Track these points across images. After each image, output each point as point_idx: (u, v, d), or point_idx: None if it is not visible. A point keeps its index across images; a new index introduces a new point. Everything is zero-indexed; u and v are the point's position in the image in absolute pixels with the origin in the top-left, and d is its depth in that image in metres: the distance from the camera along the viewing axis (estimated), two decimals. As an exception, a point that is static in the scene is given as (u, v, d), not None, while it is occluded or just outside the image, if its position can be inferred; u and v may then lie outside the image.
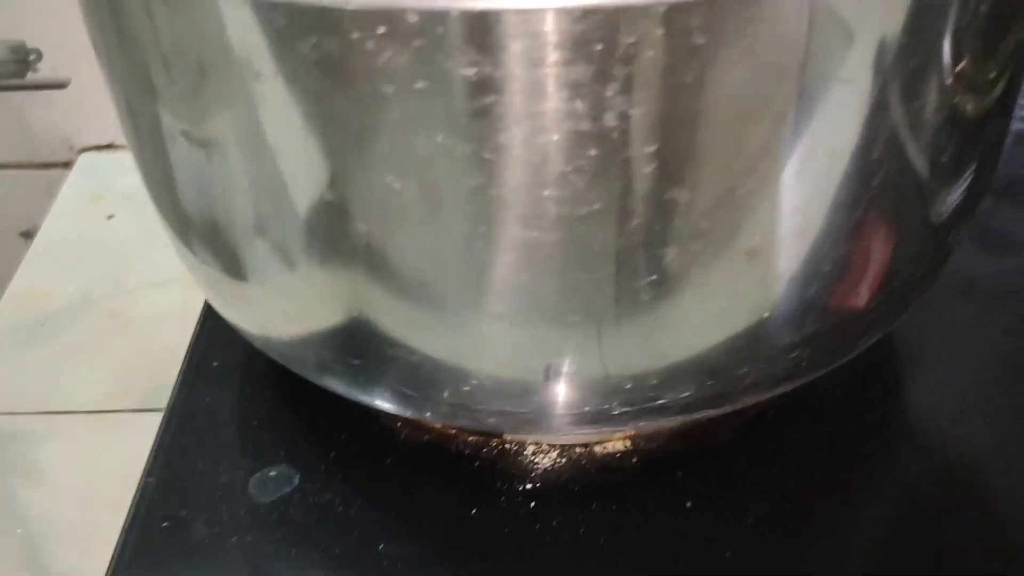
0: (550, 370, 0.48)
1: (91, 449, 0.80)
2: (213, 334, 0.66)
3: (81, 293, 0.96)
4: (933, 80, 0.41)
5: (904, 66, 0.40)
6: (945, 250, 0.52)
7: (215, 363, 0.67)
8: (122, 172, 1.07)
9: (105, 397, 0.86)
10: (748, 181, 0.41)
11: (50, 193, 1.12)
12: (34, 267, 0.99)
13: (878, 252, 0.47)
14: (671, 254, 0.42)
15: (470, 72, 0.36)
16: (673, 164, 0.39)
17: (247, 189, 0.45)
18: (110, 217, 1.06)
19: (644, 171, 0.39)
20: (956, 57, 0.41)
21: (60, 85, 1.09)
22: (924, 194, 0.46)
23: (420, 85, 0.37)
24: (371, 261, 0.44)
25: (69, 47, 1.02)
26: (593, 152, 0.38)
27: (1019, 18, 0.43)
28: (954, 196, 0.48)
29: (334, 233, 0.44)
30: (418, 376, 0.49)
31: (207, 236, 0.50)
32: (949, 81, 0.42)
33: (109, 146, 1.16)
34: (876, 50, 0.38)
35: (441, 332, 0.47)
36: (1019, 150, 0.82)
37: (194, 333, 0.71)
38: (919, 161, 0.44)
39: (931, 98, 0.42)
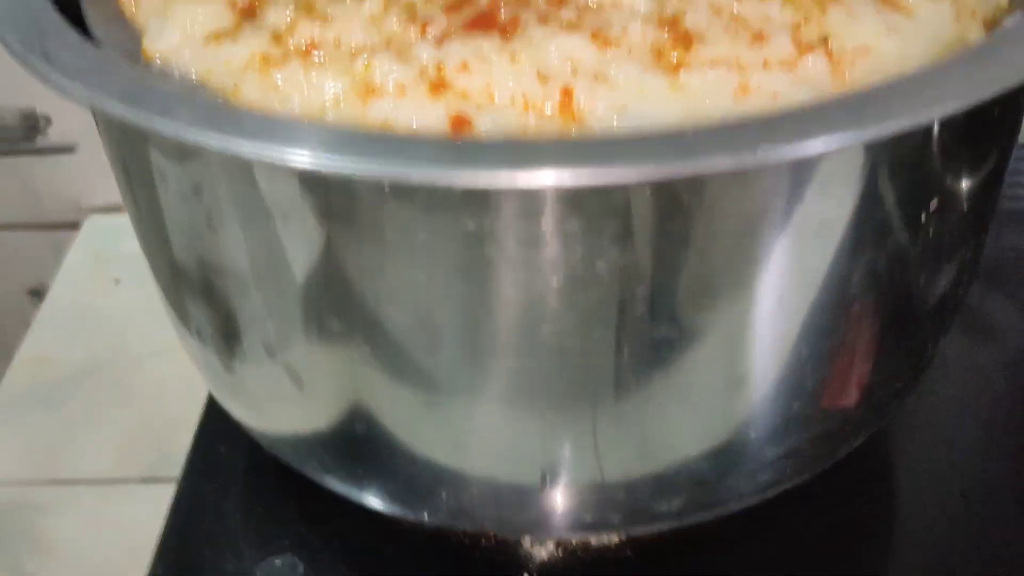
0: (546, 478, 0.50)
1: (99, 520, 0.81)
2: (219, 419, 0.68)
3: (87, 360, 0.98)
4: (905, 218, 0.44)
5: (875, 213, 0.42)
6: (924, 361, 0.54)
7: (221, 448, 0.69)
8: (129, 235, 1.09)
9: (112, 466, 0.87)
10: (731, 318, 0.43)
11: (58, 253, 1.14)
12: (42, 333, 1.01)
13: (858, 371, 0.49)
14: (660, 381, 0.45)
15: (471, 226, 0.39)
16: (661, 305, 0.42)
17: (257, 309, 0.47)
18: (117, 281, 1.08)
19: (635, 311, 0.42)
20: (926, 198, 0.44)
21: (68, 149, 1.12)
22: (901, 316, 0.49)
23: (423, 237, 0.39)
24: (373, 381, 0.47)
25: (77, 113, 1.04)
26: (588, 294, 0.41)
27: (982, 158, 0.45)
28: (930, 315, 0.51)
29: (338, 355, 0.46)
30: (417, 482, 0.51)
31: (212, 340, 0.52)
32: (922, 218, 0.44)
33: (116, 208, 1.19)
34: (847, 200, 0.41)
35: (440, 440, 0.50)
36: (1004, 231, 0.85)
37: (200, 421, 0.73)
38: (895, 289, 0.47)
39: (904, 234, 0.45)
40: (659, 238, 0.39)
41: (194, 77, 0.45)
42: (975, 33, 0.46)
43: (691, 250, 0.40)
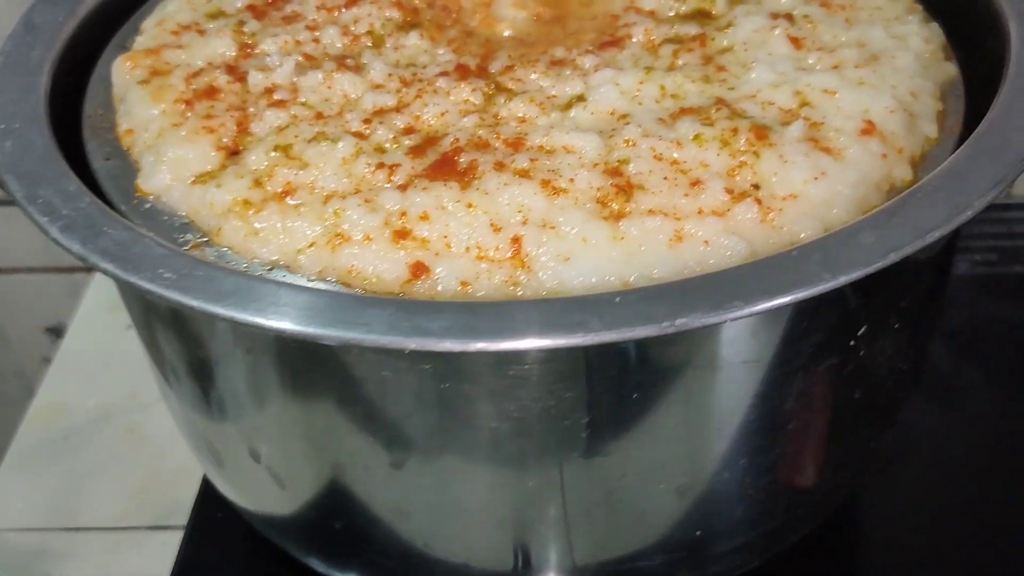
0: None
1: (109, 567, 0.86)
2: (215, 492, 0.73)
3: (100, 407, 1.02)
4: (835, 347, 0.48)
5: (802, 345, 0.46)
6: (867, 458, 0.58)
7: (219, 515, 0.74)
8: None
9: (123, 514, 0.91)
10: (675, 443, 0.47)
11: (74, 294, 1.18)
12: (57, 380, 1.06)
13: (800, 476, 0.53)
14: (612, 491, 0.49)
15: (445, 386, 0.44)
16: (606, 436, 0.46)
17: (248, 432, 0.52)
18: (128, 327, 1.13)
19: (581, 436, 0.46)
20: (852, 329, 0.47)
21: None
22: (838, 427, 0.53)
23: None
24: (348, 485, 0.51)
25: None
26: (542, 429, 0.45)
27: (906, 295, 0.49)
28: (868, 422, 0.54)
29: (315, 464, 0.51)
30: (394, 570, 0.56)
31: (205, 449, 0.57)
32: (851, 345, 0.48)
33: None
34: (772, 342, 0.45)
35: (412, 536, 0.54)
36: (978, 298, 0.87)
37: (198, 492, 0.77)
38: (831, 405, 0.51)
39: (836, 359, 0.48)
40: (600, 380, 0.43)
41: (183, 215, 0.50)
42: (902, 171, 0.50)
43: (636, 385, 0.44)
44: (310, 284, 0.45)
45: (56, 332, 1.31)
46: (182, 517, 0.86)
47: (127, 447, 0.96)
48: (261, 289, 0.42)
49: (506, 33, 0.60)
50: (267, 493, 0.55)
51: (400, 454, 0.48)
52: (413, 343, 0.39)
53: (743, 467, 0.50)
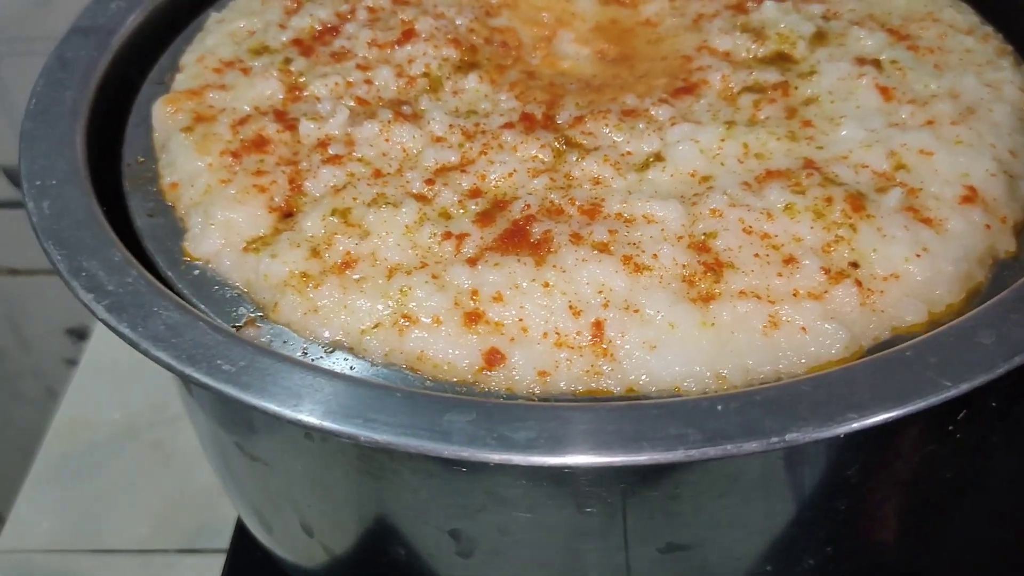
0: None
1: (138, 594, 0.83)
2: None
3: (125, 421, 1.00)
4: (933, 435, 0.45)
5: (902, 443, 0.43)
6: (953, 528, 0.55)
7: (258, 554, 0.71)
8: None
9: (150, 536, 0.89)
10: (756, 535, 0.44)
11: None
12: (80, 391, 1.03)
13: (883, 554, 0.51)
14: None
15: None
16: (686, 532, 0.43)
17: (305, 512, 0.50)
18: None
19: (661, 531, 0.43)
20: (952, 415, 0.44)
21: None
22: (929, 506, 0.50)
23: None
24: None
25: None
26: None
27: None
28: (959, 496, 0.51)
29: (380, 550, 0.48)
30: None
31: (255, 516, 0.54)
32: (950, 428, 0.45)
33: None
34: (879, 444, 0.42)
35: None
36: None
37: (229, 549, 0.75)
38: (922, 487, 0.48)
39: (933, 445, 0.45)
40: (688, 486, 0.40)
41: (236, 285, 0.46)
42: (1005, 242, 0.47)
43: (722, 492, 0.41)
44: (378, 375, 0.42)
45: (78, 334, 1.29)
46: (212, 540, 0.84)
47: (153, 464, 0.94)
48: (329, 388, 0.38)
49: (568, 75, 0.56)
50: (317, 558, 0.53)
51: (469, 545, 0.45)
52: (497, 457, 0.36)
53: (828, 553, 0.47)
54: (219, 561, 0.77)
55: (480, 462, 0.36)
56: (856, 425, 0.36)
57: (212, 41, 0.59)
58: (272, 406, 0.38)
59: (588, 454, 0.36)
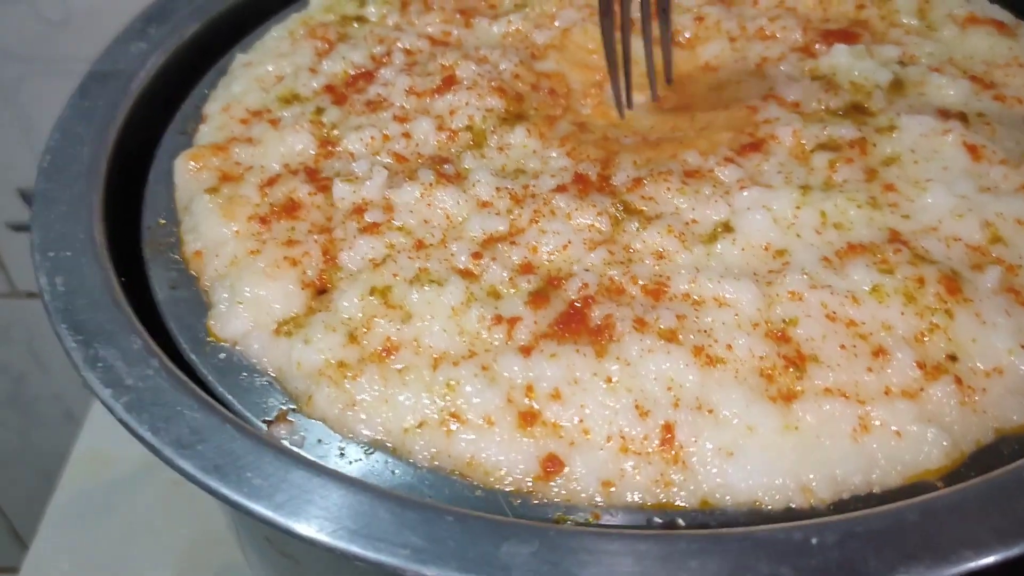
0: None
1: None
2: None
3: (144, 456, 0.96)
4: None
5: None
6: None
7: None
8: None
9: (172, 578, 0.85)
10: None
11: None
12: (97, 425, 1.00)
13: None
14: None
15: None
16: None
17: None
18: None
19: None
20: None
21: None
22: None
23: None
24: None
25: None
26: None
27: None
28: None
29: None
30: None
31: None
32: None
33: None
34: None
35: None
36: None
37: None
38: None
39: None
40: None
41: (266, 371, 0.42)
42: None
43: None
44: (423, 481, 0.38)
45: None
46: (240, 582, 0.80)
47: (174, 502, 0.90)
48: (369, 508, 0.34)
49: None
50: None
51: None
52: (564, 599, 0.31)
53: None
54: (243, 601, 0.73)
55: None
56: (971, 566, 0.32)
57: (238, 88, 0.54)
58: (309, 533, 0.34)
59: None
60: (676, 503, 0.37)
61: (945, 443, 0.38)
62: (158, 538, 0.87)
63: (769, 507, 0.37)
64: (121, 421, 0.38)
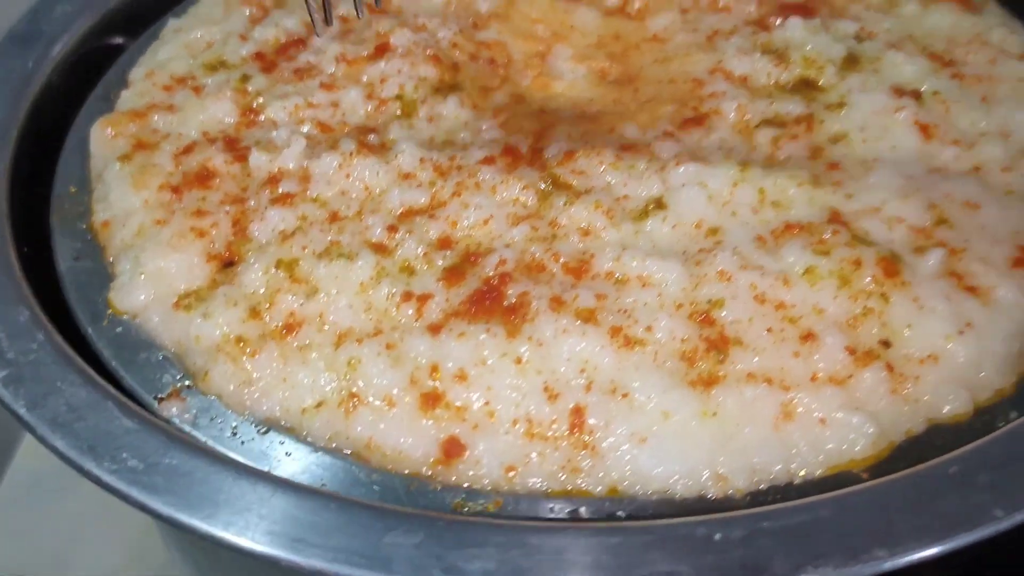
0: None
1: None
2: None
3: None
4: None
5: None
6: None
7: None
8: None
9: (122, 565, 0.84)
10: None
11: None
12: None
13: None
14: None
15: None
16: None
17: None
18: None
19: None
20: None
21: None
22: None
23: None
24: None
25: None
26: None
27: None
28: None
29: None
30: None
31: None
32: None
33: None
34: None
35: None
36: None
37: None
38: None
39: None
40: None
41: (163, 346, 0.40)
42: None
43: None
44: (319, 463, 0.35)
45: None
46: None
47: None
48: (252, 494, 0.32)
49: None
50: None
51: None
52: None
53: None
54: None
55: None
56: (885, 566, 0.29)
57: (165, 53, 0.52)
58: (182, 517, 0.31)
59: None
60: (584, 489, 0.35)
61: (873, 432, 0.35)
62: (107, 527, 0.85)
63: (681, 496, 0.34)
64: (-4, 396, 0.35)
